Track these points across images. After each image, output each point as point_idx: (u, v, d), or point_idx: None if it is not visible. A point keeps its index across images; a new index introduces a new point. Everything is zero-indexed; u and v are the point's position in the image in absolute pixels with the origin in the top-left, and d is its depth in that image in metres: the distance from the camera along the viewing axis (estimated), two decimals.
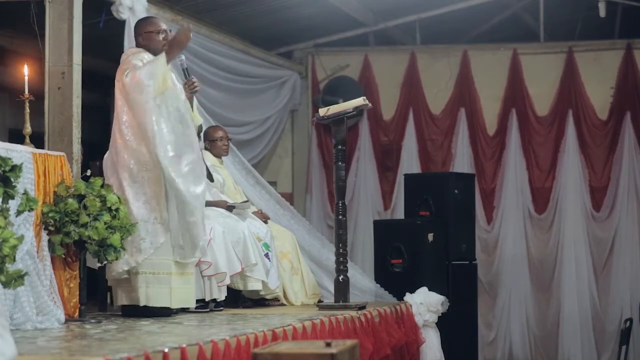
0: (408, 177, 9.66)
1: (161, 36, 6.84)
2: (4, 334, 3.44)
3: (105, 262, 6.46)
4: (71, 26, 7.04)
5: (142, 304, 6.60)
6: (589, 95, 11.18)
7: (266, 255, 7.72)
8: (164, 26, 6.92)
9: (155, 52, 6.80)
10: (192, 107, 6.93)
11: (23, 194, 5.41)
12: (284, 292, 8.01)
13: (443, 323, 8.38)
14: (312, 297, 8.17)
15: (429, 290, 8.29)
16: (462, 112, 11.39)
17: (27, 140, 6.28)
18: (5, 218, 5.10)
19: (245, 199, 8.17)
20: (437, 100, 11.46)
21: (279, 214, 8.82)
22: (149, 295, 6.60)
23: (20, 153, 5.79)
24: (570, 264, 10.97)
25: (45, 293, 5.86)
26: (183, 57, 7.02)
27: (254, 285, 7.63)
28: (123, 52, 7.51)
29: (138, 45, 6.91)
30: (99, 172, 7.07)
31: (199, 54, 9.18)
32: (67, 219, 6.09)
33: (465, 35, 11.80)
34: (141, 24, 7.01)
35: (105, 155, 6.96)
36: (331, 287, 7.89)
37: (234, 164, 8.75)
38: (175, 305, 6.67)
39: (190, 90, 6.89)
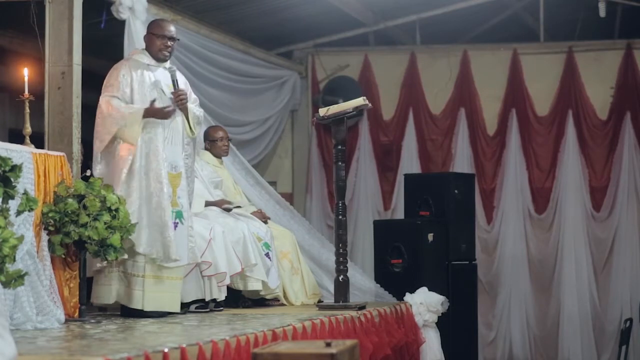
0: (408, 177, 9.66)
1: (160, 41, 6.86)
2: (4, 334, 3.44)
3: (105, 262, 6.48)
4: (71, 26, 7.04)
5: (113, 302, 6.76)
6: (589, 95, 11.18)
7: (267, 254, 7.72)
8: (168, 33, 6.89)
9: (152, 55, 6.89)
10: (187, 118, 6.90)
11: (23, 194, 5.41)
12: (284, 292, 8.01)
13: (443, 323, 8.38)
14: (312, 297, 8.17)
15: (429, 290, 8.28)
16: (462, 112, 11.38)
17: (27, 140, 6.29)
18: (5, 218, 5.10)
19: (240, 205, 8.10)
20: (437, 100, 11.45)
21: (279, 214, 8.82)
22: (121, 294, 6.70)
23: (20, 153, 5.79)
24: (570, 264, 10.96)
25: (45, 293, 5.87)
26: (174, 67, 7.02)
27: (254, 285, 7.63)
28: (123, 52, 7.55)
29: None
30: None
31: (199, 53, 9.18)
32: (67, 219, 6.09)
33: (465, 35, 11.80)
34: (150, 24, 7.09)
35: None
36: (331, 287, 7.88)
37: (233, 164, 8.75)
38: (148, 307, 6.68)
39: (176, 101, 6.85)
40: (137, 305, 6.64)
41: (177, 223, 6.78)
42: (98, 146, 6.65)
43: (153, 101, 6.72)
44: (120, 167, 6.62)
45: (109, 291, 6.71)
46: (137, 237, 6.55)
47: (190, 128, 6.94)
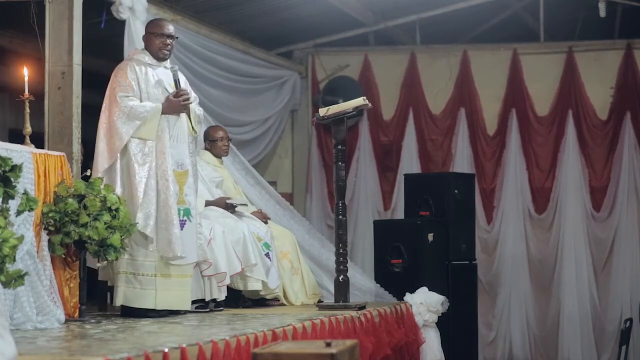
0: (408, 177, 9.66)
1: (159, 40, 6.87)
2: (4, 334, 3.44)
3: (105, 262, 6.48)
4: (71, 26, 7.05)
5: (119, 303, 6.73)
6: (589, 95, 11.18)
7: (267, 254, 7.72)
8: (167, 31, 6.91)
9: (152, 54, 6.91)
10: (189, 117, 6.91)
11: (23, 194, 5.42)
12: (284, 292, 8.01)
13: (443, 323, 8.38)
14: (312, 297, 8.17)
15: (429, 290, 8.28)
16: (462, 112, 11.38)
17: (27, 140, 6.29)
18: (5, 218, 5.10)
19: (245, 202, 8.12)
20: (437, 100, 11.45)
21: (279, 214, 8.82)
22: (127, 295, 6.68)
23: (20, 153, 5.79)
24: (570, 264, 10.96)
25: (45, 293, 5.87)
26: (177, 67, 7.04)
27: (254, 285, 7.63)
28: (123, 52, 7.55)
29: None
30: None
31: (199, 53, 9.18)
32: (67, 219, 6.09)
33: (465, 35, 11.80)
34: (148, 24, 7.11)
35: None
36: (331, 287, 7.88)
37: (234, 164, 8.75)
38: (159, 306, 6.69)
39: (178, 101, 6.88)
40: (149, 304, 6.65)
41: (185, 221, 6.80)
42: (118, 145, 6.62)
43: (168, 96, 6.79)
44: (136, 166, 6.65)
45: (115, 293, 6.72)
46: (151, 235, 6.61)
47: (192, 127, 6.96)
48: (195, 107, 7.03)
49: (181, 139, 6.87)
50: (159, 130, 6.74)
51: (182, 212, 6.79)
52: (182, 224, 6.77)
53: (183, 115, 6.89)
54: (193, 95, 7.14)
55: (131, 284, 6.68)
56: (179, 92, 6.83)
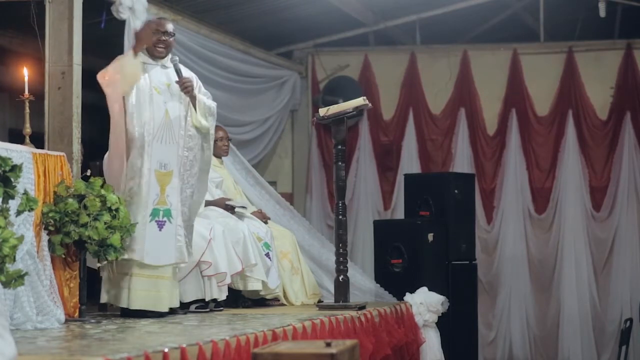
0: (408, 177, 9.67)
1: (155, 36, 6.85)
2: (4, 334, 3.44)
3: (105, 262, 6.48)
4: (71, 26, 7.04)
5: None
6: (589, 95, 11.18)
7: (267, 254, 7.73)
8: (162, 28, 6.88)
9: (149, 52, 6.89)
10: (195, 108, 6.88)
11: (23, 194, 5.41)
12: (284, 292, 8.01)
13: (443, 323, 8.38)
14: (312, 297, 8.17)
15: (429, 290, 8.29)
16: (462, 112, 11.38)
17: (27, 140, 6.29)
18: (5, 218, 5.10)
19: (244, 205, 8.10)
20: (437, 100, 11.46)
21: (279, 214, 8.82)
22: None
23: (20, 153, 5.80)
24: (570, 264, 10.97)
25: (45, 293, 5.87)
26: (177, 57, 7.01)
27: (254, 285, 7.63)
28: (123, 52, 7.54)
29: None
30: (99, 172, 7.08)
31: (199, 53, 9.18)
32: (67, 219, 6.10)
33: (465, 35, 11.80)
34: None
35: (105, 155, 6.98)
36: (331, 287, 7.89)
37: (234, 164, 8.76)
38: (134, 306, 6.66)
39: (182, 90, 6.86)
40: (123, 303, 6.62)
41: (165, 222, 6.70)
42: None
43: None
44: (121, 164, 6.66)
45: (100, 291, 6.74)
46: None
47: (198, 120, 6.92)
48: (206, 100, 6.98)
49: (167, 140, 6.77)
50: (140, 126, 6.67)
51: (162, 212, 6.70)
52: (161, 225, 6.69)
53: (173, 117, 6.82)
54: (203, 90, 7.10)
55: (110, 282, 6.68)
56: (181, 80, 6.81)
